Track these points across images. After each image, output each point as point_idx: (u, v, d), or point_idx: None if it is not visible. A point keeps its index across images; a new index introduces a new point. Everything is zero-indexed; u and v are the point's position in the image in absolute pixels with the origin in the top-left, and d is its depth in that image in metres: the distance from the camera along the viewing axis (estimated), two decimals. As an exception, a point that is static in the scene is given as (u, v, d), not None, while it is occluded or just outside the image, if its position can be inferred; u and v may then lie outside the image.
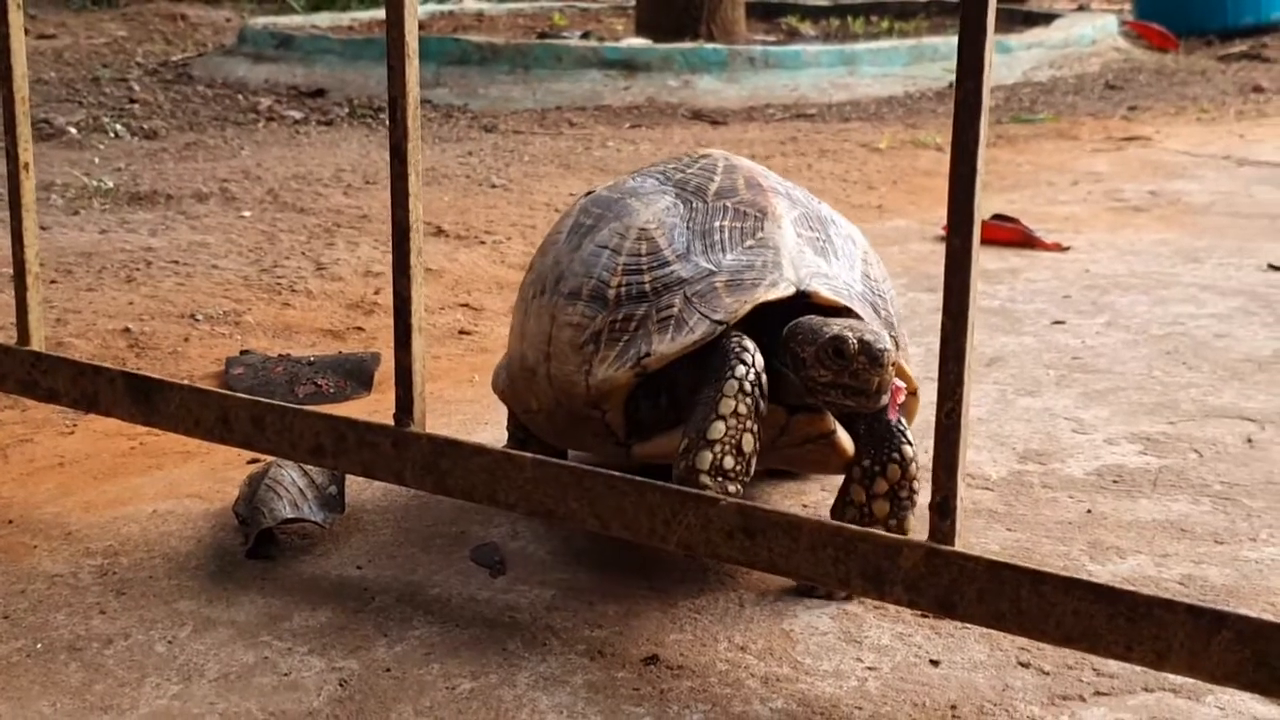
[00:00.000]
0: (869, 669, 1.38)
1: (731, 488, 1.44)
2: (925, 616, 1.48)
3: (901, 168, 4.83)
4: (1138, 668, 1.32)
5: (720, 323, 1.50)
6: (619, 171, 4.54)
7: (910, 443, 1.55)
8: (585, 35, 8.22)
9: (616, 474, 1.42)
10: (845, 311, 1.56)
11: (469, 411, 2.22)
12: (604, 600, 1.53)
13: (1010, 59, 7.79)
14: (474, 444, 1.49)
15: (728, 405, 1.45)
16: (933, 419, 1.23)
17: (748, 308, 1.52)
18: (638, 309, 1.56)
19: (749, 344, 1.48)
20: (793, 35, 9.12)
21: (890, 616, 1.48)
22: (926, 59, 7.46)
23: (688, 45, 7.09)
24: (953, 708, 1.31)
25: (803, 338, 1.47)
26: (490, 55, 6.83)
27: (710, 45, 7.14)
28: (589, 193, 1.78)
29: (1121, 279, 3.14)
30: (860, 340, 1.41)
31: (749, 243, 1.59)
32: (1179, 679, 1.33)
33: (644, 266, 1.59)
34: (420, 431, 1.52)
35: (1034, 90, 7.32)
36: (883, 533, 1.31)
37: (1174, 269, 3.24)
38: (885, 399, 1.45)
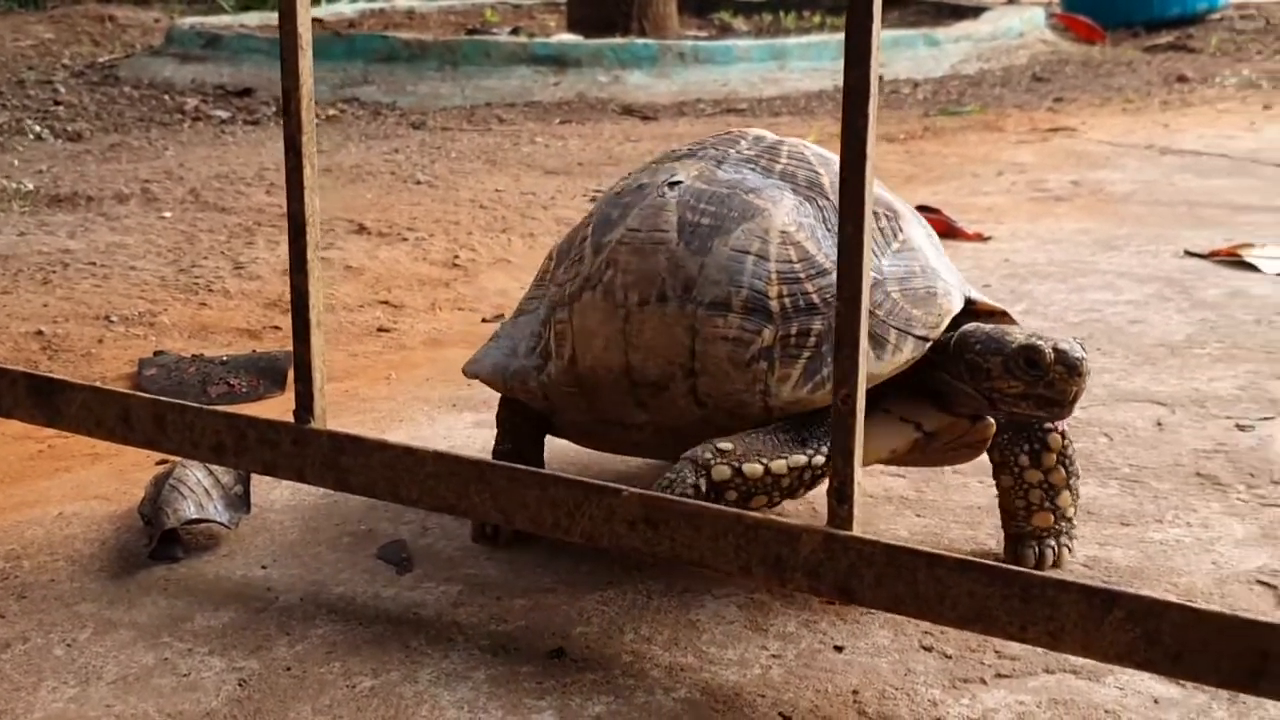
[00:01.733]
0: (773, 656, 1.38)
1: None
2: (832, 604, 1.48)
3: (829, 160, 4.84)
4: (1040, 650, 1.33)
5: (923, 339, 1.45)
6: (546, 168, 4.53)
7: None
8: (515, 31, 8.19)
9: (518, 467, 1.41)
10: (1001, 315, 1.54)
11: (384, 409, 2.20)
12: (511, 595, 1.52)
13: (938, 52, 7.85)
14: (375, 439, 1.47)
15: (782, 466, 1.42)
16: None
17: (946, 320, 1.47)
18: (812, 322, 1.47)
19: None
20: (725, 30, 9.14)
21: (798, 604, 1.48)
22: (856, 53, 7.49)
23: (618, 40, 7.09)
24: (854, 693, 1.31)
25: (982, 348, 1.44)
26: (419, 52, 6.79)
27: (640, 40, 7.14)
28: (674, 182, 1.58)
29: (1040, 268, 3.16)
30: (1056, 350, 1.39)
31: (894, 245, 1.53)
32: (1080, 661, 1.34)
33: (800, 274, 1.49)
34: (320, 428, 1.50)
35: (962, 83, 7.37)
36: (782, 519, 1.31)
37: (1093, 257, 3.27)
38: (1075, 409, 1.43)
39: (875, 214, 1.53)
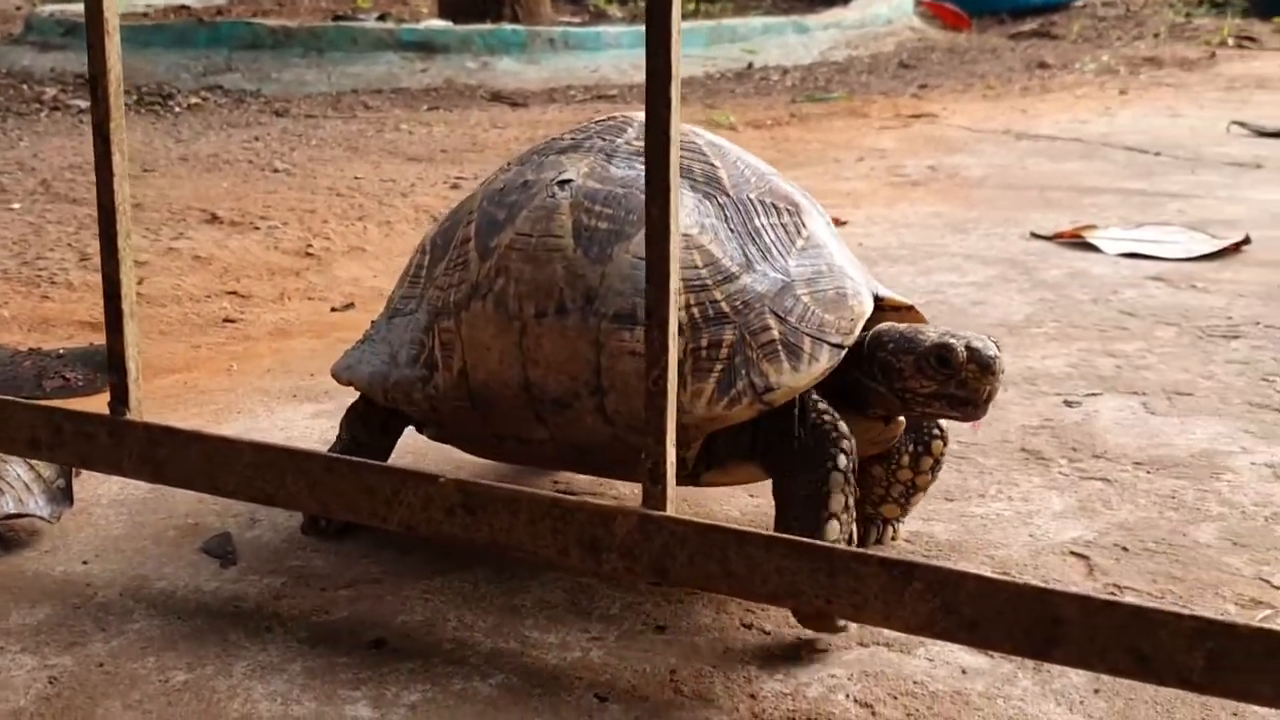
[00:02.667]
0: (594, 639, 1.38)
1: None
2: (658, 585, 1.49)
3: (694, 146, 4.86)
4: (857, 625, 1.35)
5: (839, 346, 1.39)
6: (408, 155, 4.49)
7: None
8: (382, 17, 8.10)
9: (335, 456, 1.40)
10: (908, 310, 1.50)
11: (223, 401, 2.16)
12: (335, 586, 1.50)
13: (808, 39, 7.93)
14: (191, 431, 1.44)
15: (838, 502, 1.35)
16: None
17: (859, 325, 1.41)
18: (723, 333, 1.39)
19: (842, 425, 1.38)
20: (598, 17, 9.14)
21: (624, 587, 1.49)
22: (725, 40, 7.55)
23: (487, 27, 7.05)
24: (672, 672, 1.32)
25: (895, 347, 1.40)
26: (284, 39, 6.69)
27: (510, 26, 7.11)
28: (564, 181, 1.49)
29: (892, 250, 3.21)
30: (968, 348, 1.36)
31: (799, 243, 1.46)
32: (893, 634, 1.37)
33: (708, 281, 1.41)
34: (136, 420, 1.47)
35: (830, 69, 7.46)
36: (597, 502, 1.31)
37: (942, 240, 3.33)
38: (990, 408, 1.39)
39: (777, 209, 1.48)
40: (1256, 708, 1.22)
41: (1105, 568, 1.54)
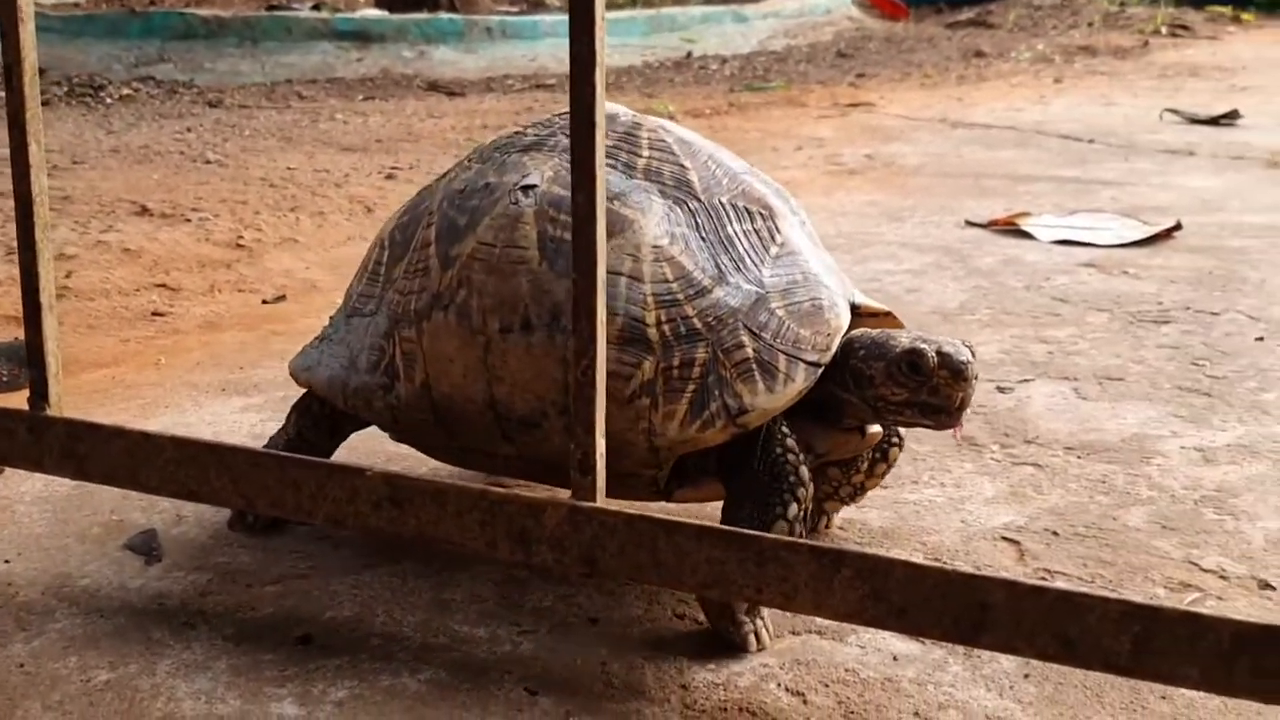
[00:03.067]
0: (525, 633, 1.37)
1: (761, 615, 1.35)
2: (589, 577, 1.47)
3: (632, 136, 4.85)
4: (789, 614, 1.35)
5: (815, 365, 1.33)
6: (342, 145, 4.44)
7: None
8: (317, 7, 8.02)
9: (259, 450, 1.38)
10: (885, 316, 1.45)
11: (150, 396, 2.13)
12: (262, 582, 1.48)
13: (746, 29, 7.94)
14: (112, 426, 1.42)
15: None
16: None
17: (836, 340, 1.35)
18: (695, 351, 1.33)
19: (803, 470, 1.33)
20: (536, 5, 9.10)
21: (556, 580, 1.48)
22: (665, 29, 7.54)
23: (423, 15, 7.00)
24: (603, 664, 1.31)
25: (866, 354, 1.35)
26: (217, 29, 6.60)
27: (447, 15, 7.06)
28: (528, 186, 1.42)
29: (829, 239, 3.22)
30: (939, 353, 1.30)
31: (773, 250, 1.40)
32: (825, 622, 1.37)
33: (679, 296, 1.35)
34: (56, 415, 1.44)
35: (769, 59, 7.47)
36: (527, 494, 1.30)
37: (878, 228, 3.34)
38: (964, 417, 1.33)
39: (750, 214, 1.42)
40: (1184, 690, 1.22)
41: (1036, 552, 1.54)
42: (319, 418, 1.64)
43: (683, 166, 1.43)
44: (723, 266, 1.37)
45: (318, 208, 3.49)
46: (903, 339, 1.34)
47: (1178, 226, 3.22)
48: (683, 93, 6.17)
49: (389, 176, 3.90)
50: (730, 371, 1.32)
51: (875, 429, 1.45)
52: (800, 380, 1.32)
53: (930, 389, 1.31)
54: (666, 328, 1.34)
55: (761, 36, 7.99)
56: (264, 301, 2.70)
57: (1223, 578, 1.48)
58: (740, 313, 1.34)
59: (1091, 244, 3.12)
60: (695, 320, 1.34)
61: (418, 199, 1.57)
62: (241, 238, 3.17)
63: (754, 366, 1.32)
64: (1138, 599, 1.20)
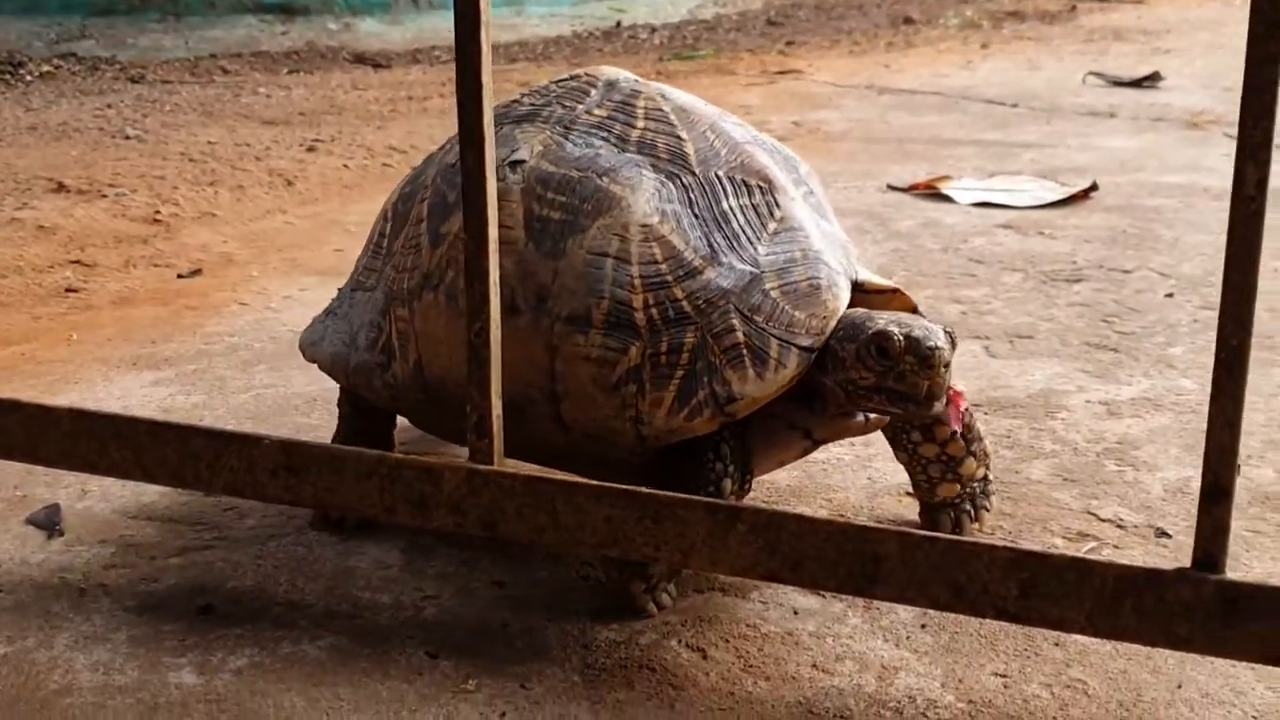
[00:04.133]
0: (428, 598, 1.37)
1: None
2: (496, 541, 1.47)
3: (559, 106, 4.84)
4: (701, 574, 1.36)
5: (808, 350, 1.27)
6: (264, 119, 4.40)
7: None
8: (243, -20, 7.90)
9: (158, 420, 1.36)
10: (893, 294, 1.38)
11: (61, 372, 2.10)
12: (166, 554, 1.47)
13: (676, -3, 7.91)
14: (8, 400, 1.40)
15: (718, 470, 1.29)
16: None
17: (832, 322, 1.28)
18: (684, 335, 1.28)
19: (725, 464, 1.29)
20: (466, -22, 9.01)
21: (462, 544, 1.48)
22: (594, -2, 7.51)
23: (349, -12, 6.92)
24: (504, 626, 1.31)
25: (843, 334, 1.27)
26: (139, 4, 6.49)
27: (372, -12, 6.99)
28: (516, 162, 1.38)
29: (750, 204, 3.22)
30: (908, 337, 1.23)
31: (771, 226, 1.32)
32: (729, 580, 1.38)
33: (668, 277, 1.29)
34: (-51, 390, 1.42)
35: (699, 27, 7.46)
36: (424, 458, 1.30)
37: (801, 192, 3.35)
38: (938, 406, 1.26)
39: (749, 187, 1.34)
40: (1076, 636, 1.24)
41: (939, 507, 1.56)
42: (352, 399, 1.58)
43: (679, 138, 1.36)
44: (716, 245, 1.30)
45: (237, 181, 3.45)
46: (879, 321, 1.26)
47: (1094, 187, 3.26)
48: (611, 62, 6.14)
49: (310, 149, 3.87)
50: (719, 358, 1.26)
51: (878, 418, 1.38)
52: (792, 367, 1.26)
53: (897, 375, 1.23)
54: (654, 311, 1.28)
55: (691, 5, 7.97)
56: (179, 276, 2.67)
57: (1120, 527, 1.51)
58: (732, 294, 1.28)
59: (1009, 206, 3.15)
60: (684, 303, 1.28)
61: (421, 168, 1.53)
62: (159, 213, 3.13)
63: (744, 352, 1.26)
64: (1028, 546, 1.22)
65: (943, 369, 1.22)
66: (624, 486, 1.22)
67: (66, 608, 1.36)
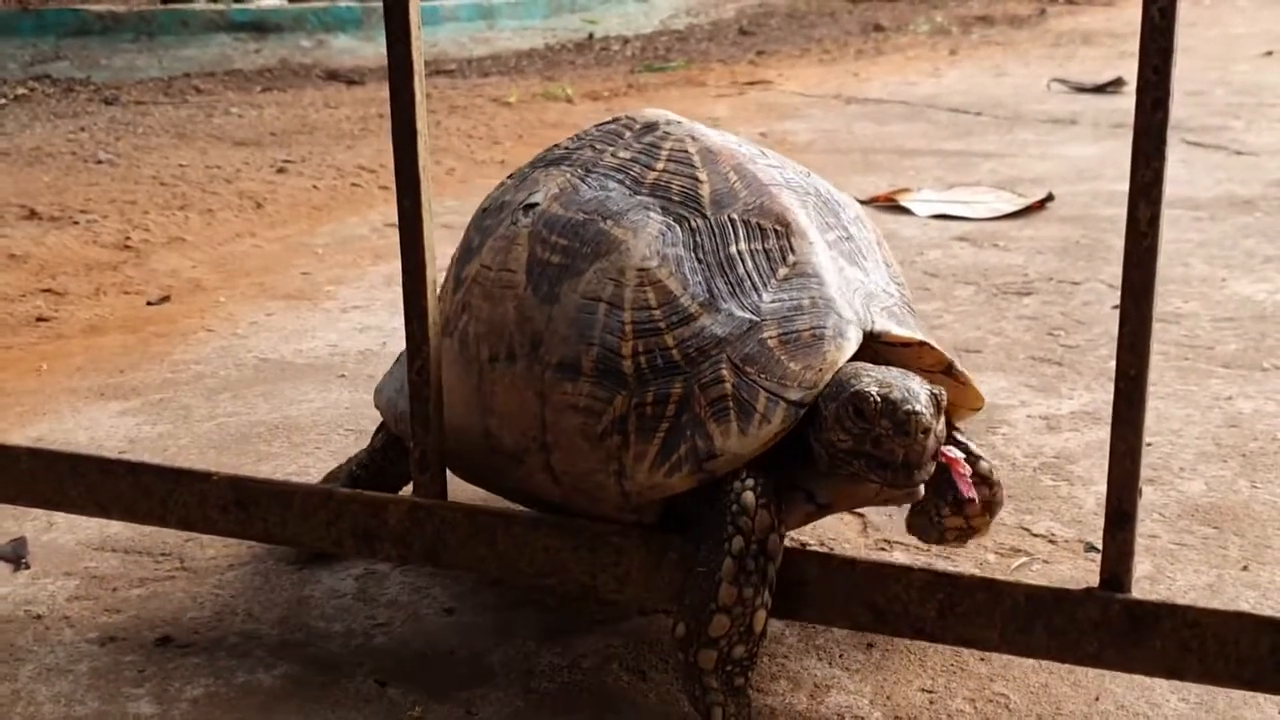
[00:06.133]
0: (379, 626, 1.42)
1: (738, 681, 1.17)
2: (448, 570, 1.52)
3: (529, 121, 4.89)
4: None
5: (798, 404, 1.17)
6: (236, 140, 4.44)
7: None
8: (216, -2, 7.94)
9: (112, 458, 1.41)
10: (919, 347, 1.28)
11: (30, 403, 2.14)
12: (128, 586, 1.52)
13: (648, 7, 7.97)
14: (-32, 440, 1.44)
15: (728, 594, 1.14)
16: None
17: (829, 374, 1.18)
18: (671, 386, 1.21)
19: (749, 499, 1.16)
20: (440, -10, 9.06)
21: (414, 572, 1.52)
22: (566, 10, 7.56)
23: (321, 4, 6.97)
24: (451, 652, 1.36)
25: (830, 391, 1.17)
26: (113, 24, 6.54)
27: (345, 3, 7.03)
28: (530, 205, 1.34)
29: (713, 220, 3.27)
30: (884, 398, 1.11)
31: (782, 271, 1.24)
32: (670, 600, 1.42)
33: (661, 324, 1.22)
34: (-88, 432, 1.46)
35: (670, 38, 7.51)
36: (370, 492, 1.34)
37: (763, 207, 3.40)
38: (921, 476, 1.14)
39: (762, 231, 1.26)
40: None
41: (878, 524, 1.61)
42: (388, 443, 1.57)
43: (695, 180, 1.30)
44: (716, 290, 1.23)
45: (207, 205, 3.49)
46: (866, 379, 1.15)
47: (1049, 198, 3.32)
48: (583, 75, 6.20)
49: (280, 170, 3.91)
50: (705, 410, 1.19)
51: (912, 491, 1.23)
52: (777, 422, 1.16)
53: (874, 439, 1.12)
54: (643, 359, 1.22)
55: (664, 15, 8.03)
56: (149, 303, 2.71)
57: (1051, 541, 1.56)
58: (726, 343, 1.20)
59: (966, 218, 3.21)
60: (674, 351, 1.22)
61: (484, 208, 1.46)
62: (129, 238, 3.17)
63: (730, 405, 1.18)
64: (942, 568, 1.27)
65: (920, 435, 1.11)
66: (561, 518, 1.27)
67: (31, 640, 1.40)
